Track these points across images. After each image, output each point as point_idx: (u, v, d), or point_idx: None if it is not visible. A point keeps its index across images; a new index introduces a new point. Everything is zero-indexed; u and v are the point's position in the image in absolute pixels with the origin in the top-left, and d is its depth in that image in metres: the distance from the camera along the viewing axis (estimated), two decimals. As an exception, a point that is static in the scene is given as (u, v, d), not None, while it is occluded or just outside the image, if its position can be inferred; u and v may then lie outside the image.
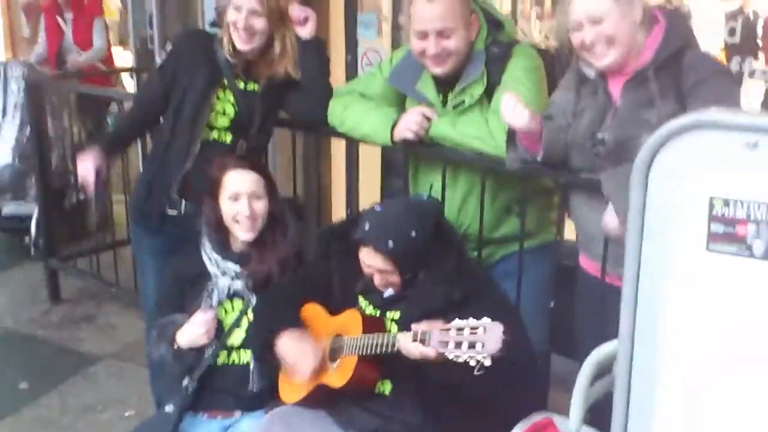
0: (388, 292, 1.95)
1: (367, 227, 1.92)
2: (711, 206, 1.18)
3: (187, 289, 2.24)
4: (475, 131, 2.11)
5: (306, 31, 2.44)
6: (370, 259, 1.92)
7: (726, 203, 1.17)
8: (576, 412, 1.44)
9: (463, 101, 2.20)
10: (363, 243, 1.93)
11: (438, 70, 2.20)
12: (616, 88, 1.87)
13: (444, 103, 2.25)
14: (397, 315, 1.95)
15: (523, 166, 2.03)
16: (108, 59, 5.35)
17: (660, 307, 1.26)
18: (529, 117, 1.87)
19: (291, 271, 2.21)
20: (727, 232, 1.18)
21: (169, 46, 2.58)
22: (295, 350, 1.98)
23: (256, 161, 2.37)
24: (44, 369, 3.26)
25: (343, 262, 2.03)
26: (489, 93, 2.19)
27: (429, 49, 2.16)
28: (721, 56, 3.27)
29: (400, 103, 2.39)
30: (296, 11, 2.43)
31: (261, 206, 2.19)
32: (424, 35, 2.16)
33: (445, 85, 2.24)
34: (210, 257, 2.22)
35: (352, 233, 1.96)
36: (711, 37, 3.19)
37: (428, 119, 2.21)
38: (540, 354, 2.09)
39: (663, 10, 1.86)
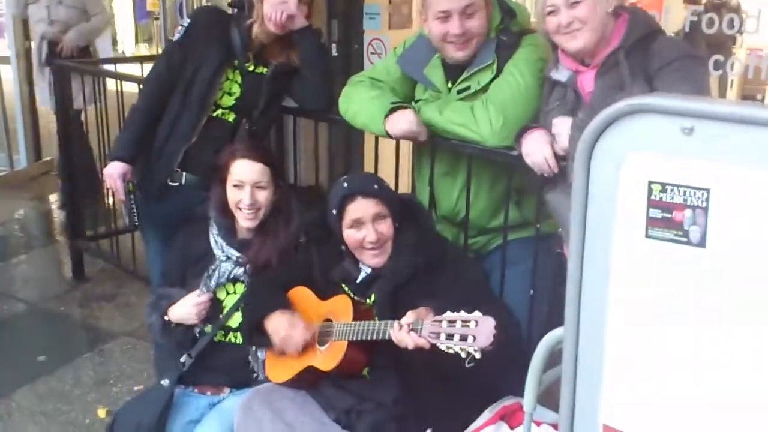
0: (362, 276, 1.99)
1: (346, 185, 1.97)
2: (649, 191, 1.18)
3: (190, 266, 2.30)
4: (460, 118, 2.10)
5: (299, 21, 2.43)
6: (361, 210, 1.95)
7: (663, 188, 1.17)
8: (530, 393, 1.45)
9: (469, 87, 2.17)
10: (350, 198, 1.96)
11: (461, 54, 2.15)
12: (587, 81, 1.88)
13: (450, 89, 2.23)
14: (372, 297, 1.98)
15: (503, 154, 2.07)
16: None
17: (603, 291, 1.27)
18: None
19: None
20: (665, 217, 1.17)
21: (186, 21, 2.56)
22: (285, 324, 2.01)
23: (264, 151, 2.36)
24: (62, 343, 3.38)
25: (322, 250, 2.06)
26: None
27: (453, 29, 2.09)
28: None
29: (411, 88, 2.35)
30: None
31: (264, 196, 2.22)
32: (446, 16, 2.09)
33: (453, 72, 2.21)
34: (216, 241, 2.26)
35: (327, 220, 2.00)
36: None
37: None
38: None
39: (625, 6, 1.89)
